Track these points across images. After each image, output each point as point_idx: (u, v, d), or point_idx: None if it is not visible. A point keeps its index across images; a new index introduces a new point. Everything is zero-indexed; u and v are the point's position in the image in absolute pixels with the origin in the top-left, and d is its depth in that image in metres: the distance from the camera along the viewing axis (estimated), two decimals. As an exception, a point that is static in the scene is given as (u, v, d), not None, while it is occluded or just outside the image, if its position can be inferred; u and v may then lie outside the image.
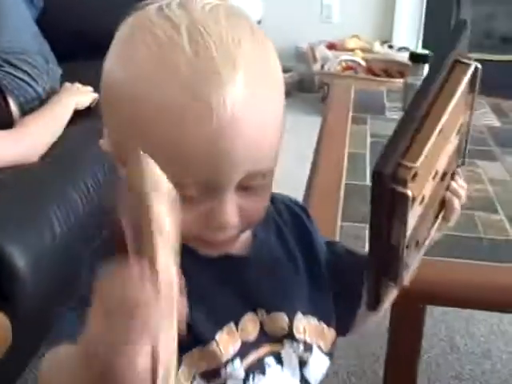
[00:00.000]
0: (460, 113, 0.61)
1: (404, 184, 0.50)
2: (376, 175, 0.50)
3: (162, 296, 0.37)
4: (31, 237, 1.22)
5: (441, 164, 0.58)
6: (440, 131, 0.54)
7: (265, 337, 0.61)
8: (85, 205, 1.39)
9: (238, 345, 0.59)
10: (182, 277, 0.40)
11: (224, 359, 0.58)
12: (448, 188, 0.64)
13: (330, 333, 0.66)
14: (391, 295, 0.66)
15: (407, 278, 0.58)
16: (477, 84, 0.61)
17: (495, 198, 1.19)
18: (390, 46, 3.48)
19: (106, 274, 0.37)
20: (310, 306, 0.65)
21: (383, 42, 3.53)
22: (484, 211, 1.13)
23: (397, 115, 1.62)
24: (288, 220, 0.68)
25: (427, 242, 0.62)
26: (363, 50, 3.41)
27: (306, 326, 0.64)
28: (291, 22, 3.44)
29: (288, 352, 0.62)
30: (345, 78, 3.11)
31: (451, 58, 0.59)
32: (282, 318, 0.62)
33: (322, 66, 3.31)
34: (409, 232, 0.53)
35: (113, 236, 0.57)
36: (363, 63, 3.24)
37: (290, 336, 0.62)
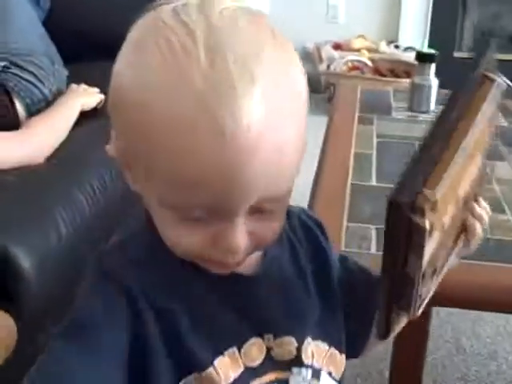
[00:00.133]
0: (485, 131, 0.57)
1: (422, 214, 0.45)
2: (392, 204, 0.46)
3: None
4: (36, 238, 1.22)
5: (464, 188, 0.54)
6: (464, 152, 0.50)
7: (271, 362, 0.57)
8: (91, 206, 1.38)
9: (240, 370, 0.55)
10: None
11: None
12: (470, 211, 0.60)
13: (342, 358, 0.63)
14: (402, 324, 0.62)
15: (420, 309, 0.54)
16: (498, 100, 0.58)
17: (502, 197, 1.18)
18: (396, 46, 3.48)
19: None
20: (321, 330, 0.61)
21: (389, 42, 3.53)
22: (491, 211, 1.12)
23: (403, 115, 1.61)
24: (302, 238, 0.64)
25: (445, 270, 0.58)
26: (369, 50, 3.41)
27: (314, 349, 0.60)
28: (297, 23, 3.43)
29: (297, 380, 0.58)
30: (351, 78, 3.10)
31: (474, 77, 0.56)
32: (291, 342, 0.58)
33: (328, 67, 3.31)
34: (425, 262, 0.49)
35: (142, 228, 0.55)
36: (369, 63, 3.24)
37: (298, 361, 0.58)
